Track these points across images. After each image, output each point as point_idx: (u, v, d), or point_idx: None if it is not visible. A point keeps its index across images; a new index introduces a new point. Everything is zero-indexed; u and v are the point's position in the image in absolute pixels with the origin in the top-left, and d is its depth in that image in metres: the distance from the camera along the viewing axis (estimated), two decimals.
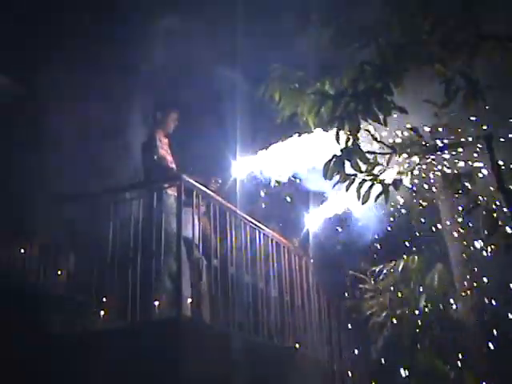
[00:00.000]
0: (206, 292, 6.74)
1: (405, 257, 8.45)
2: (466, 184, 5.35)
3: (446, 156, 6.46)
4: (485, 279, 8.23)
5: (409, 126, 5.42)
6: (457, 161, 6.48)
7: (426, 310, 7.87)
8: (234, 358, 6.21)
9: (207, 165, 8.53)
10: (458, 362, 7.21)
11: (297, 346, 6.91)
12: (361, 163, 4.93)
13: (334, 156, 4.86)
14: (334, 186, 5.03)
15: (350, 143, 4.81)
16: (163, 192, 6.65)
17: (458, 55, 4.92)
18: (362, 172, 5.07)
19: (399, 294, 8.20)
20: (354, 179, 5.24)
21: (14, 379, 6.03)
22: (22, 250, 7.24)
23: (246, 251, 7.08)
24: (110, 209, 6.62)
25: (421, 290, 8.09)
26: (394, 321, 7.97)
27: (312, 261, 8.16)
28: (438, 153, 6.07)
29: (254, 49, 10.96)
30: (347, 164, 4.95)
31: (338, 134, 4.72)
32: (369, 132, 5.36)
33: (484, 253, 8.18)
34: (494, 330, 7.51)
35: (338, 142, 4.78)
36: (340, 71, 5.37)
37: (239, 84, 12.20)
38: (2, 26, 8.78)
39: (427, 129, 5.83)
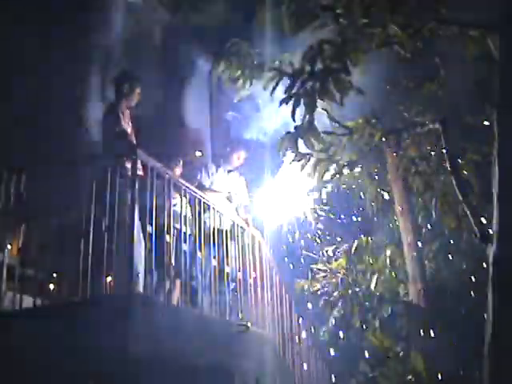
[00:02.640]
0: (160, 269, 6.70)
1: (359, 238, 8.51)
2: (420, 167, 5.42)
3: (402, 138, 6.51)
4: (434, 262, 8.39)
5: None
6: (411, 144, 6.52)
7: (377, 291, 7.95)
8: (185, 335, 6.20)
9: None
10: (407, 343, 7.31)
11: (248, 323, 6.91)
12: (316, 142, 4.93)
13: (288, 133, 4.86)
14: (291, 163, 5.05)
15: (305, 121, 4.81)
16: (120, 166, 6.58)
17: (417, 38, 4.94)
18: (315, 150, 5.08)
19: (351, 275, 8.27)
20: (309, 158, 5.26)
21: None
22: None
23: (200, 228, 7.06)
24: (65, 181, 6.53)
25: (373, 271, 8.17)
26: (345, 300, 8.03)
27: (266, 241, 8.17)
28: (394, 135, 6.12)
29: (214, 25, 10.93)
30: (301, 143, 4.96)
31: (293, 111, 4.71)
32: (326, 111, 5.37)
33: (435, 236, 8.31)
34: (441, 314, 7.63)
35: (293, 119, 4.77)
36: (299, 51, 5.36)
37: (197, 59, 12.17)
38: None
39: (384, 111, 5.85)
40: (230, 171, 8.33)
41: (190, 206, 7.13)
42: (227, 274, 7.40)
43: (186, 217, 6.95)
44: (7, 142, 8.32)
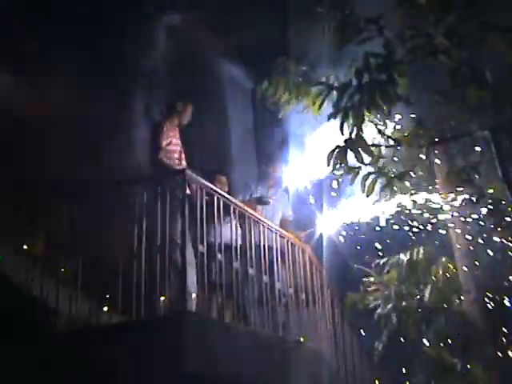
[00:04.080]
0: (212, 287, 6.73)
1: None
2: (471, 176, 5.36)
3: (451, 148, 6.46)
4: (488, 272, 8.25)
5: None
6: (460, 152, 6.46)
7: (431, 302, 7.86)
8: (239, 352, 6.21)
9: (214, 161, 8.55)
10: (464, 354, 7.21)
11: (301, 339, 6.90)
12: (365, 155, 4.94)
13: (337, 147, 4.87)
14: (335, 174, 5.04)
15: (353, 135, 4.82)
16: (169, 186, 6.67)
17: (462, 46, 4.91)
18: (364, 163, 5.08)
19: (404, 287, 8.19)
20: (358, 172, 5.25)
21: (21, 377, 6.04)
22: (26, 247, 7.21)
23: (250, 245, 7.08)
24: (114, 204, 6.63)
25: (426, 282, 8.09)
26: (399, 313, 7.95)
27: (316, 255, 8.15)
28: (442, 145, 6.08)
29: (257, 43, 11.00)
30: (351, 156, 4.97)
31: (342, 125, 4.73)
32: (374, 124, 5.37)
33: (488, 245, 8.18)
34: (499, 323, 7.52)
35: (342, 133, 4.79)
36: (344, 65, 5.38)
37: (241, 79, 12.24)
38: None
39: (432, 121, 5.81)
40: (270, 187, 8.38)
41: (240, 223, 7.16)
42: (278, 290, 7.39)
43: (236, 234, 6.98)
44: (60, 167, 8.47)
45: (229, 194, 7.30)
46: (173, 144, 7.46)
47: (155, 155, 7.36)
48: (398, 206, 7.50)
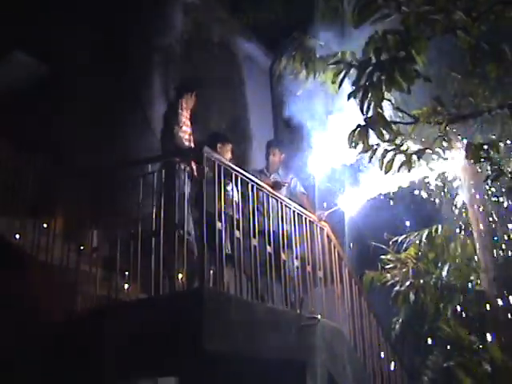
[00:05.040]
0: (229, 263, 6.77)
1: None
2: (490, 153, 5.33)
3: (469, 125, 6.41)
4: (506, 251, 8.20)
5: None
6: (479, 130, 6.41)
7: (449, 280, 7.84)
8: (257, 328, 6.25)
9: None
10: (482, 333, 7.19)
11: (319, 316, 6.93)
12: (384, 132, 4.93)
13: (358, 126, 4.87)
14: (358, 154, 5.04)
15: (373, 113, 4.80)
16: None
17: (481, 22, 4.86)
18: (385, 141, 5.06)
19: (422, 264, 8.17)
20: (376, 149, 5.24)
21: (42, 352, 6.12)
22: (45, 225, 7.29)
23: (268, 222, 7.11)
24: (132, 182, 6.67)
25: (444, 260, 8.06)
26: (417, 291, 7.93)
27: (335, 233, 8.16)
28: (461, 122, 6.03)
29: (274, 21, 10.96)
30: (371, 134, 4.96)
31: (362, 103, 4.71)
32: (391, 102, 5.34)
33: (507, 224, 8.14)
34: None
35: (361, 111, 4.77)
36: (361, 40, 5.33)
37: (258, 57, 12.21)
38: (28, 8, 8.84)
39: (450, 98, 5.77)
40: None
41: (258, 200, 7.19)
42: (297, 267, 7.42)
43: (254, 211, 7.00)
44: (79, 145, 8.53)
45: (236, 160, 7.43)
46: (185, 125, 7.52)
47: (173, 131, 7.41)
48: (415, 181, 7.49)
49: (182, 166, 6.99)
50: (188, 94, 7.78)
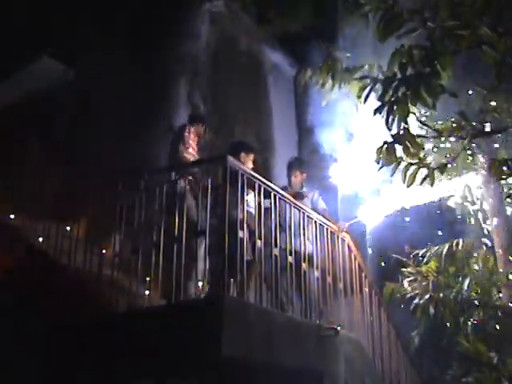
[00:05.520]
0: (250, 272, 6.79)
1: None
2: None
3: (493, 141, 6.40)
4: None
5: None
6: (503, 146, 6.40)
7: (469, 294, 7.80)
8: (276, 337, 6.27)
9: None
10: (502, 349, 7.15)
11: (338, 327, 6.93)
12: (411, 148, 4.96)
13: (385, 142, 4.88)
14: (380, 169, 5.05)
15: (400, 128, 4.83)
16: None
17: (507, 38, 4.87)
18: (410, 157, 5.08)
19: (442, 278, 8.14)
20: (399, 162, 5.25)
21: (64, 358, 6.20)
22: (68, 228, 7.37)
23: (290, 232, 7.13)
24: (156, 190, 6.73)
25: (465, 274, 8.03)
26: (436, 304, 7.90)
27: (356, 244, 8.16)
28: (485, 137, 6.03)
29: (300, 31, 11.00)
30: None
31: (387, 118, 4.74)
32: (415, 115, 5.35)
33: None
34: None
35: (387, 127, 4.79)
36: (387, 53, 5.36)
37: (283, 66, 12.26)
38: (56, 14, 8.96)
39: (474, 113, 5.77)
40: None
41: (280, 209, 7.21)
42: (317, 278, 7.43)
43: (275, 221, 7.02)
44: (105, 152, 8.61)
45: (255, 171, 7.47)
46: (191, 147, 7.66)
47: (178, 149, 7.57)
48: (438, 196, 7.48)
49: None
50: (198, 123, 7.97)
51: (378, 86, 4.90)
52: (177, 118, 9.60)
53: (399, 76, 4.71)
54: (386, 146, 4.89)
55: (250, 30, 11.72)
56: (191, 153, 7.69)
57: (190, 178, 7.27)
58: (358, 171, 7.23)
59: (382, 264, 9.47)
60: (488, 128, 5.69)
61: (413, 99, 4.63)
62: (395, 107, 4.68)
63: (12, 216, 7.81)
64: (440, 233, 9.23)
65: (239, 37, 11.49)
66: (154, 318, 6.15)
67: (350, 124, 7.72)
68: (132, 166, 8.30)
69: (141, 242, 6.50)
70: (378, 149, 4.92)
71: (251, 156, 7.94)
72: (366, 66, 5.64)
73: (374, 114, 4.83)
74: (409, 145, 4.85)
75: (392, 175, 5.34)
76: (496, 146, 6.33)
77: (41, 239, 7.54)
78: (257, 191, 6.74)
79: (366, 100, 5.01)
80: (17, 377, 6.22)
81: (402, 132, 4.82)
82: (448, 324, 7.83)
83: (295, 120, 12.69)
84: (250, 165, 7.81)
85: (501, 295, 7.59)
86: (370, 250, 9.13)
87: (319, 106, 7.51)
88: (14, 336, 6.38)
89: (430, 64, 4.62)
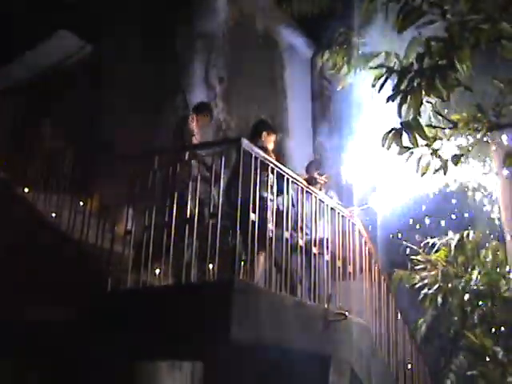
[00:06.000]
0: (260, 256, 6.82)
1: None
2: None
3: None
4: None
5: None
6: None
7: (478, 286, 7.79)
8: (284, 321, 6.32)
9: None
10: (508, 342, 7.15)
11: (346, 312, 6.96)
12: (418, 137, 4.96)
13: (393, 129, 4.89)
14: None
15: (410, 117, 4.83)
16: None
17: None
18: (417, 146, 5.09)
19: (451, 268, 8.13)
20: (412, 152, 5.25)
21: (71, 335, 6.27)
22: (81, 203, 7.42)
23: (302, 214, 7.14)
24: (169, 168, 6.77)
25: (474, 265, 8.02)
26: (444, 294, 7.90)
27: (367, 230, 8.17)
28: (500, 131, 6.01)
29: (318, 13, 10.94)
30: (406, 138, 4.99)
31: (400, 107, 4.74)
32: (432, 105, 5.35)
33: None
34: None
35: (399, 115, 4.80)
36: (404, 41, 5.34)
37: (300, 48, 12.20)
38: None
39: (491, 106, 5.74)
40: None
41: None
42: (327, 261, 7.44)
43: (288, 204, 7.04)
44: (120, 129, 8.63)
45: (276, 153, 7.47)
46: (195, 138, 7.65)
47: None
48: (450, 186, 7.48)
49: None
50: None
51: (394, 75, 4.89)
52: (192, 98, 9.59)
53: (416, 66, 4.70)
54: (393, 132, 4.89)
55: (267, 9, 11.66)
56: (196, 138, 7.70)
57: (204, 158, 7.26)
58: (372, 158, 7.22)
59: (393, 251, 9.45)
60: (504, 122, 5.67)
61: (427, 90, 4.63)
62: (409, 97, 4.67)
63: (26, 190, 7.84)
64: (451, 222, 9.18)
65: (257, 16, 11.43)
66: (163, 297, 6.21)
67: (366, 109, 7.70)
68: (146, 144, 8.32)
69: (152, 221, 6.51)
70: (385, 134, 4.93)
71: (273, 136, 7.94)
72: (383, 53, 5.63)
73: (387, 101, 4.83)
74: (416, 134, 4.86)
75: (405, 164, 5.35)
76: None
77: (53, 214, 7.58)
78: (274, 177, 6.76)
79: (380, 89, 5.00)
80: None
81: (411, 121, 4.82)
82: (455, 314, 7.82)
83: (310, 101, 12.65)
84: (271, 145, 7.82)
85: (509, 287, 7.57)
86: (380, 237, 9.10)
87: (335, 90, 7.50)
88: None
89: (447, 56, 4.61)
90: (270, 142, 7.82)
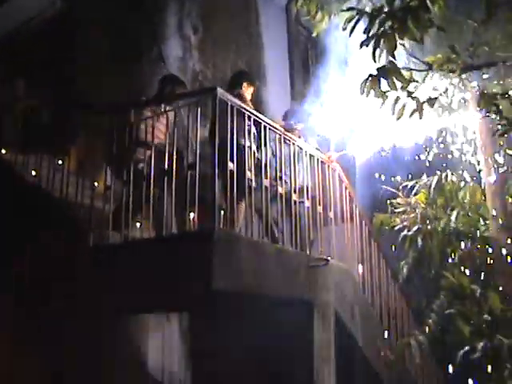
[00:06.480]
0: (240, 204, 6.84)
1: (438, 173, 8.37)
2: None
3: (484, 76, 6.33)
4: None
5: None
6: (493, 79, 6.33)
7: (458, 226, 7.84)
8: (266, 268, 6.36)
9: None
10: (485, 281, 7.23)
11: (328, 257, 7.02)
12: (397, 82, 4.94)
13: (370, 75, 4.87)
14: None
15: (386, 61, 4.81)
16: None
17: None
18: (396, 89, 5.07)
19: (431, 210, 8.17)
20: (387, 96, 5.23)
21: (53, 289, 6.30)
22: (60, 162, 7.38)
23: (280, 162, 7.15)
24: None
25: (453, 206, 8.06)
26: (424, 236, 7.95)
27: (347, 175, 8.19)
28: (475, 71, 5.98)
29: None
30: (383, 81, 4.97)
31: (374, 52, 4.71)
32: (405, 48, 5.31)
33: None
34: None
35: (374, 60, 4.77)
36: None
37: None
38: None
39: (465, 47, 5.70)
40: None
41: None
42: (307, 207, 7.47)
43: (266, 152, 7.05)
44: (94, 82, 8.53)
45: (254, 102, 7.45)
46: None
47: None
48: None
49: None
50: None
51: (365, 19, 4.85)
52: (166, 45, 9.47)
53: (386, 8, 4.66)
54: (370, 78, 4.87)
55: None
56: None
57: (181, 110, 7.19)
58: (349, 105, 7.20)
59: (372, 195, 9.48)
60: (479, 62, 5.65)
61: (400, 33, 4.59)
62: (382, 40, 4.64)
63: (3, 151, 7.78)
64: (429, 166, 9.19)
65: None
66: (144, 250, 6.23)
67: (343, 55, 7.65)
68: (122, 98, 8.24)
69: (131, 175, 6.50)
70: (363, 82, 4.91)
71: (251, 89, 7.92)
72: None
73: (361, 46, 4.80)
74: (394, 78, 4.84)
75: (380, 107, 5.33)
76: (485, 77, 6.26)
77: (33, 173, 7.53)
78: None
79: (351, 32, 4.96)
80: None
81: (387, 65, 4.79)
82: (435, 255, 7.88)
83: (287, 49, 12.51)
84: (249, 96, 7.80)
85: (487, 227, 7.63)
86: (359, 182, 9.12)
87: (311, 37, 7.42)
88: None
89: None
90: (249, 92, 7.81)
